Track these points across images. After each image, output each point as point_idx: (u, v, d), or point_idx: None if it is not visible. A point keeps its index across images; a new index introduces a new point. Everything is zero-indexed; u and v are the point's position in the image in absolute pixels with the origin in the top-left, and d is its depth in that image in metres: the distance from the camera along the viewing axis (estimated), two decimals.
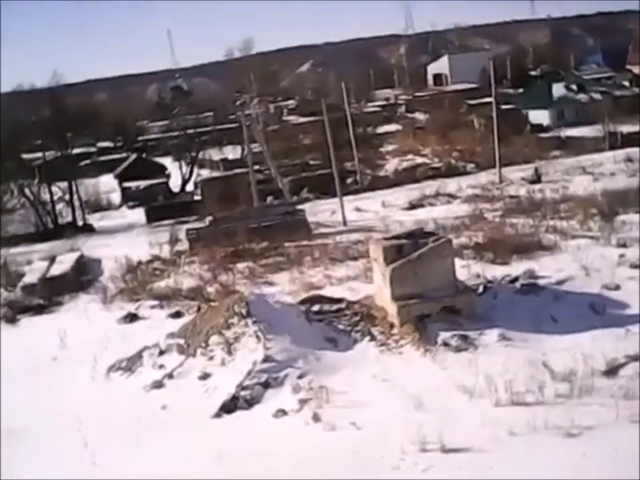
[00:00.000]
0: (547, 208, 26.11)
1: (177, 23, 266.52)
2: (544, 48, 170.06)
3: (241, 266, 23.99)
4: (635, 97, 55.89)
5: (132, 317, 20.02)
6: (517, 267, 19.48)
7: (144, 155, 54.62)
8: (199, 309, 19.60)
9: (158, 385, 15.17)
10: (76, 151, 77.77)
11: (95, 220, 42.69)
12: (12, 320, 21.88)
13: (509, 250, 20.94)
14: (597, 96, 57.59)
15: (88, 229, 38.74)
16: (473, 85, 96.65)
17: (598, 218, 23.53)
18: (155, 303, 21.08)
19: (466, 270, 19.59)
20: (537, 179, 31.74)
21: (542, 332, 15.42)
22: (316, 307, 17.05)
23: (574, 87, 60.10)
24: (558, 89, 59.23)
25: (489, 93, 64.05)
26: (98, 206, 47.15)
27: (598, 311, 16.02)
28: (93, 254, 29.98)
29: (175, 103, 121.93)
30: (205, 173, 59.30)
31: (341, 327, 16.25)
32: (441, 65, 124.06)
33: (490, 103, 58.60)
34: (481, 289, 17.42)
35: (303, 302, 17.40)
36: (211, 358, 15.35)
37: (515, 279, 17.88)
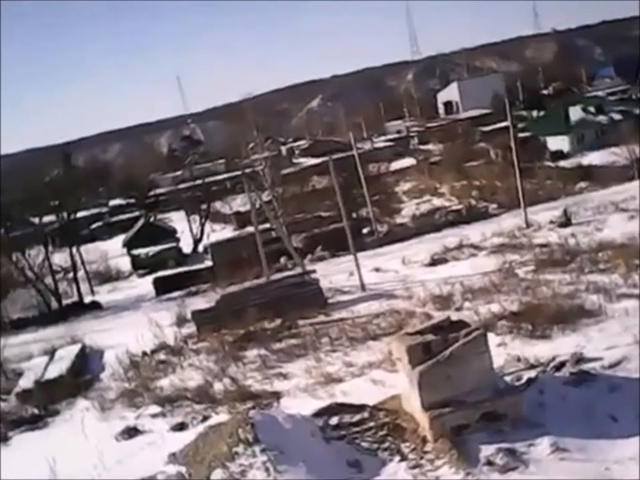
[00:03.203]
0: (583, 258, 23.68)
1: (185, 68, 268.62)
2: (553, 64, 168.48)
3: (251, 354, 21.81)
4: None
5: (131, 432, 17.84)
6: (561, 343, 17.08)
7: (152, 219, 52.93)
8: (204, 418, 17.46)
9: None
10: (88, 212, 77.38)
11: (104, 293, 40.94)
12: (3, 438, 19.80)
13: (549, 319, 18.56)
14: (617, 116, 55.22)
15: (95, 307, 36.86)
16: (486, 111, 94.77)
17: None
18: (157, 410, 18.92)
19: (503, 350, 17.28)
20: (566, 221, 29.33)
21: (601, 437, 13.00)
22: (334, 419, 14.74)
23: (592, 109, 57.70)
24: (575, 113, 56.91)
25: (502, 117, 62.25)
26: (107, 276, 45.46)
27: None
28: (96, 342, 28.01)
29: (185, 153, 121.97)
30: (218, 228, 57.68)
31: (365, 445, 13.91)
32: (450, 92, 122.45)
33: (505, 128, 56.56)
34: (524, 380, 15.03)
35: (318, 414, 15.08)
36: None
37: (562, 364, 15.45)
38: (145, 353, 24.46)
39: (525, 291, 21.70)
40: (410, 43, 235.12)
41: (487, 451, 12.99)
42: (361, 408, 15.13)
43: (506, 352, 17.09)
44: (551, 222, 30.04)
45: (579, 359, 15.62)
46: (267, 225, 37.97)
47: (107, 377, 23.01)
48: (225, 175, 76.11)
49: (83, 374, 24.10)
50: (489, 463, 12.74)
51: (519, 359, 16.38)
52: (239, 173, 61.66)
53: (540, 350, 16.87)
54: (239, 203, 57.34)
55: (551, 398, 14.29)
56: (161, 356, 23.88)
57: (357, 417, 14.75)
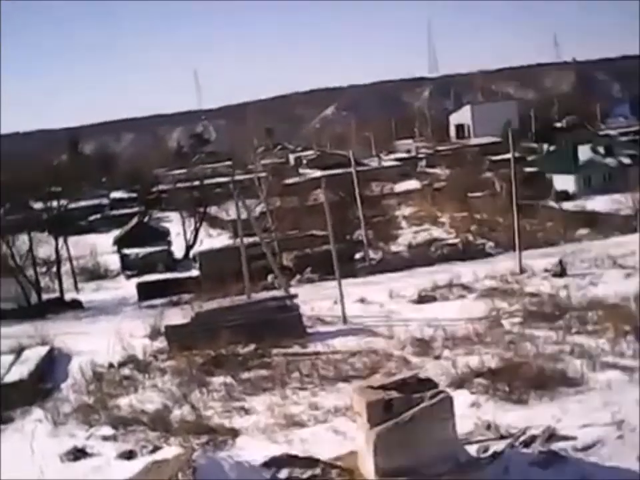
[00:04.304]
0: (573, 316, 22.83)
1: (205, 63, 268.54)
2: (569, 96, 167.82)
3: (217, 381, 20.99)
4: None
5: (77, 453, 17.03)
6: (536, 412, 16.21)
7: (146, 218, 52.19)
8: (155, 448, 16.66)
9: None
10: (88, 202, 76.54)
11: (88, 291, 40.23)
12: None
13: (528, 381, 17.70)
14: (627, 160, 54.40)
15: (75, 305, 36.10)
16: (496, 139, 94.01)
17: (632, 337, 20.21)
18: (110, 432, 18.12)
19: (474, 412, 16.44)
20: (561, 271, 28.50)
21: None
22: (284, 473, 13.91)
23: (601, 149, 56.94)
24: (584, 152, 56.17)
25: (513, 148, 61.24)
26: (95, 273, 44.70)
27: None
28: (66, 345, 27.20)
29: (193, 151, 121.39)
30: (214, 234, 56.89)
31: None
32: (463, 115, 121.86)
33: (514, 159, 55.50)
34: (489, 452, 14.19)
35: (268, 464, 14.25)
36: None
37: (533, 439, 14.60)
38: (111, 365, 23.71)
39: (507, 345, 20.86)
40: (428, 60, 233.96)
41: None
42: (314, 462, 14.28)
43: (477, 415, 16.26)
44: (546, 270, 29.20)
45: (552, 434, 14.77)
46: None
47: (68, 387, 22.25)
48: (228, 179, 75.33)
49: (45, 380, 23.30)
50: None
51: (489, 426, 15.53)
52: (244, 176, 60.81)
53: (513, 417, 16.00)
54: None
55: (515, 478, 13.45)
56: (127, 371, 23.09)
57: (308, 473, 13.91)
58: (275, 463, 14.33)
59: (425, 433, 13.06)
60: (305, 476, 13.82)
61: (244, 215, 48.69)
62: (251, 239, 36.93)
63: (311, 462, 14.35)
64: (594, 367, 18.51)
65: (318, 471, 14.03)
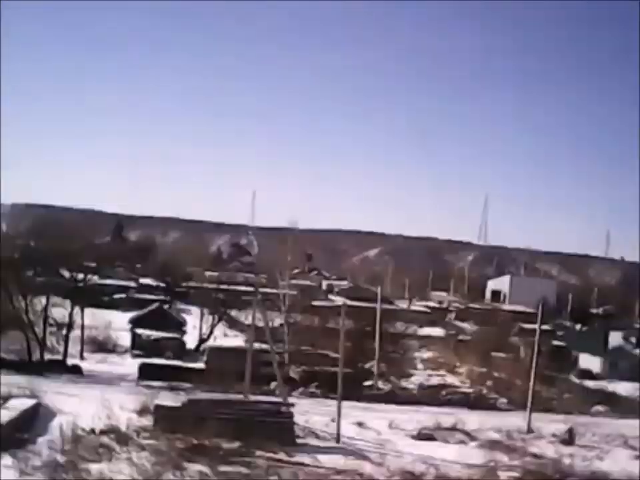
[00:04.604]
0: None
1: (264, 184, 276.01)
2: (611, 288, 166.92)
3: (194, 468, 20.17)
4: None
5: None
6: None
7: (167, 306, 52.35)
8: None
9: None
10: (117, 282, 77.67)
11: (92, 361, 39.87)
12: None
13: None
14: None
15: (75, 371, 35.74)
16: (530, 310, 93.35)
17: None
18: None
19: None
20: (569, 439, 27.28)
21: None
22: None
23: (633, 339, 55.96)
24: (616, 338, 55.21)
25: (545, 321, 60.58)
26: (103, 346, 44.53)
27: None
28: (54, 404, 26.63)
29: (231, 258, 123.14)
30: (231, 335, 56.58)
31: None
32: (501, 283, 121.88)
33: (545, 331, 54.67)
34: None
35: None
36: None
37: None
38: (92, 430, 23.07)
39: None
40: (479, 229, 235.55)
41: None
42: None
43: None
44: (554, 435, 27.98)
45: None
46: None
47: (44, 442, 21.59)
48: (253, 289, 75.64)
49: (23, 431, 22.69)
50: None
51: None
52: (271, 290, 61.19)
53: None
54: (259, 317, 56.37)
55: None
56: (106, 439, 22.39)
57: None
58: None
59: None
60: None
61: (261, 323, 48.58)
62: (264, 345, 36.48)
63: None
64: None
65: None
